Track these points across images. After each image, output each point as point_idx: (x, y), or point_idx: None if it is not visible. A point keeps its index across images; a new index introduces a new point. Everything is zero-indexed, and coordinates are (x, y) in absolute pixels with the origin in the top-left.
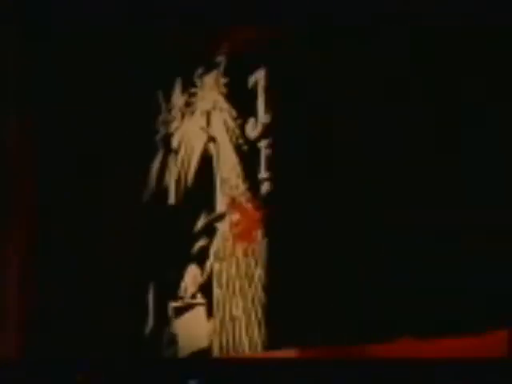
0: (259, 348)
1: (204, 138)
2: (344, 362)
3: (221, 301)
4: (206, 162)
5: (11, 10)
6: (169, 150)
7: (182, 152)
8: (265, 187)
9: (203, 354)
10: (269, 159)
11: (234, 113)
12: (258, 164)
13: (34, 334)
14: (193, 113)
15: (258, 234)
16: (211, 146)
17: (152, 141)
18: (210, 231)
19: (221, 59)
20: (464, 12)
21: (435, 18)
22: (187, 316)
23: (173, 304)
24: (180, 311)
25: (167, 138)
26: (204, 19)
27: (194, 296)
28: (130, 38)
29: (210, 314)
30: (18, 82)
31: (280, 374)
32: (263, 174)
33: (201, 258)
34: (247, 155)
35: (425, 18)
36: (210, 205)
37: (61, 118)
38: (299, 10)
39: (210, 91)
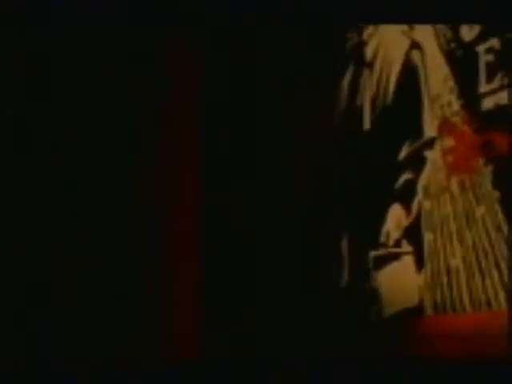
0: (483, 305)
1: (406, 44)
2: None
3: (433, 248)
4: (410, 74)
5: (11, 10)
6: (362, 63)
7: (377, 64)
8: (486, 103)
9: (413, 312)
10: (490, 67)
11: None
12: (476, 75)
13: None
14: None
15: (478, 162)
16: (415, 54)
17: (341, 52)
18: (416, 161)
19: None
20: None
21: None
22: (391, 267)
23: (373, 253)
24: (382, 262)
25: (359, 47)
26: None
27: (398, 243)
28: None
29: (419, 264)
30: (18, 82)
31: None
32: (483, 86)
33: (406, 196)
34: (462, 64)
35: None
36: (415, 129)
37: None
38: None
39: None
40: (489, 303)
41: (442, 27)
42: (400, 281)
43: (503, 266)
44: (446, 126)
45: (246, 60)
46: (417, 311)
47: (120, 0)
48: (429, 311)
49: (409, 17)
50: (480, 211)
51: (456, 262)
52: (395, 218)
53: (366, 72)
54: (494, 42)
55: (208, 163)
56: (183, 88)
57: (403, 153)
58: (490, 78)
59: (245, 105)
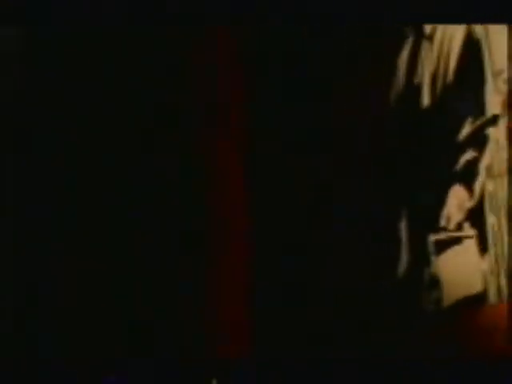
0: None
1: None
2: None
3: (497, 231)
4: (472, 49)
5: (11, 10)
6: (421, 37)
7: (438, 38)
8: None
9: (475, 299)
10: None
11: None
12: None
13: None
14: None
15: None
16: (478, 26)
17: (399, 26)
18: (479, 140)
19: None
20: None
21: None
22: (453, 252)
23: (433, 237)
24: (443, 246)
25: None
26: None
27: (460, 226)
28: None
29: (483, 248)
30: (18, 82)
31: None
32: None
33: (468, 176)
34: None
35: None
36: (478, 105)
37: None
38: None
39: None
40: None
41: None
42: (462, 266)
43: None
44: (510, 103)
45: (248, 60)
46: (480, 298)
47: (120, 0)
48: (492, 298)
49: (413, 17)
50: None
51: None
52: (457, 200)
53: (425, 46)
54: None
55: None
56: (183, 88)
57: (465, 131)
58: None
59: (246, 105)
